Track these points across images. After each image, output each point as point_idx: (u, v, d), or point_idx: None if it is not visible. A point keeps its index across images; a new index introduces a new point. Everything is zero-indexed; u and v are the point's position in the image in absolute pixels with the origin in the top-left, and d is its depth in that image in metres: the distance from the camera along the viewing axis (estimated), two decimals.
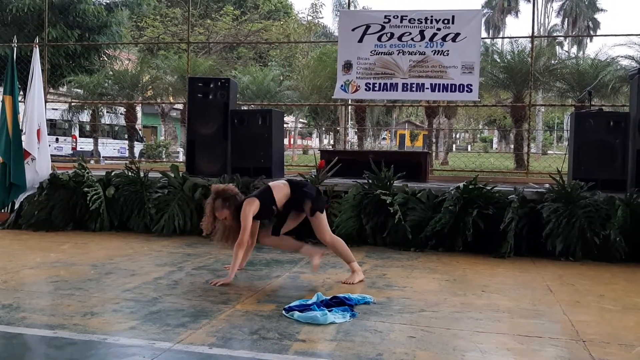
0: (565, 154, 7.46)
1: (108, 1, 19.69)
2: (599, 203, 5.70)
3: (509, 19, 63.44)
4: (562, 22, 50.58)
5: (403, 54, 8.60)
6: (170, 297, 3.85)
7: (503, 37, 40.90)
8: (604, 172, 6.39)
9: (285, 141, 19.12)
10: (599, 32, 50.92)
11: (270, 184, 4.46)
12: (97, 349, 2.87)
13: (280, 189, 4.37)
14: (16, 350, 2.90)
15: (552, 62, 16.80)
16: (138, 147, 22.18)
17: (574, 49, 43.19)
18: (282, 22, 30.43)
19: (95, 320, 3.30)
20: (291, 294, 4.00)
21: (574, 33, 47.43)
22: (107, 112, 21.98)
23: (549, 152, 31.93)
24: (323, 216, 4.38)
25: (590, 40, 47.09)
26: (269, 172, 6.92)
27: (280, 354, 2.87)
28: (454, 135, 45.67)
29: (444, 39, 8.47)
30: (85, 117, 21.95)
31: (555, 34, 44.06)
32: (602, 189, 5.99)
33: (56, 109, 21.27)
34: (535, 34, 11.40)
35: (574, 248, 5.57)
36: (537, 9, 39.55)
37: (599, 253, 5.55)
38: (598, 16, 51.83)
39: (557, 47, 21.67)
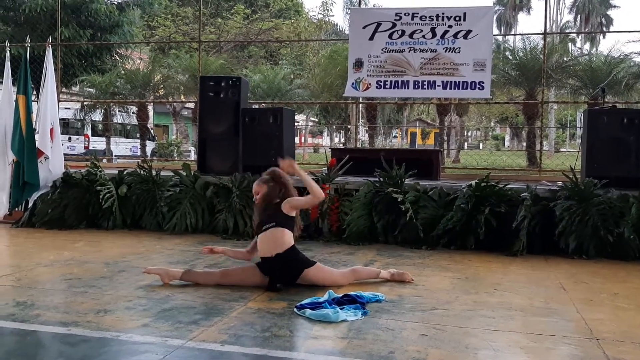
0: (578, 151, 7.41)
1: (120, 1, 19.81)
2: (612, 200, 5.66)
3: (521, 16, 62.94)
4: (575, 18, 50.21)
5: (414, 52, 8.57)
6: (182, 294, 3.87)
7: (515, 34, 40.60)
8: (617, 169, 6.33)
9: (296, 139, 19.14)
10: (611, 28, 50.45)
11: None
12: (111, 346, 2.88)
13: None
14: (30, 347, 2.92)
15: (565, 59, 16.69)
16: (150, 146, 22.29)
17: (587, 46, 42.81)
18: (292, 21, 30.48)
19: (108, 317, 3.32)
20: (303, 291, 4.00)
21: (586, 30, 47.04)
22: (119, 111, 22.10)
23: (561, 149, 31.74)
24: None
25: (603, 37, 46.54)
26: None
27: (292, 351, 2.88)
28: (465, 133, 45.50)
29: (455, 36, 8.43)
30: (97, 116, 22.08)
31: (567, 31, 43.76)
32: (616, 187, 5.93)
33: (69, 109, 21.39)
34: (548, 30, 11.31)
35: (587, 246, 5.53)
36: (550, 6, 39.21)
37: (612, 251, 5.51)
38: (611, 12, 51.43)
39: (569, 44, 21.51)
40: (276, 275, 4.05)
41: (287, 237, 4.08)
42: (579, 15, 49.56)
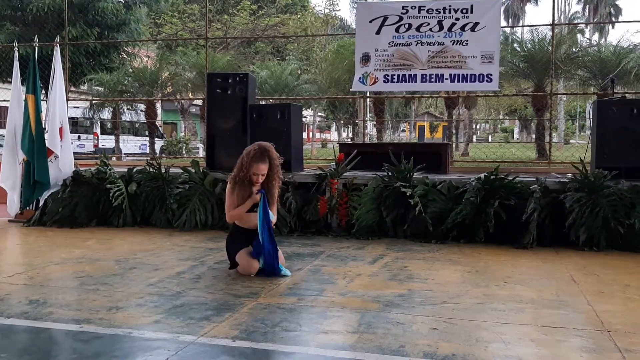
0: (588, 142, 7.36)
1: None
2: (623, 192, 5.62)
3: (529, 7, 62.48)
4: (583, 9, 49.79)
5: (421, 45, 8.54)
6: (193, 291, 3.89)
7: (523, 26, 40.34)
8: (627, 160, 6.27)
9: (304, 135, 19.13)
10: (620, 18, 50.07)
11: None
12: (123, 342, 2.91)
13: None
14: (44, 344, 2.95)
15: (574, 50, 16.54)
16: (158, 144, 22.33)
17: (596, 36, 42.48)
18: (299, 16, 30.40)
19: (120, 314, 3.35)
20: (313, 286, 4.01)
21: (595, 20, 46.66)
22: (127, 109, 22.18)
23: (571, 141, 31.56)
24: None
25: (612, 27, 46.28)
26: (288, 165, 6.90)
27: (302, 346, 2.89)
28: (474, 126, 45.26)
29: (462, 28, 8.39)
30: (106, 114, 22.17)
31: (576, 22, 43.40)
32: (626, 178, 5.89)
33: (77, 107, 21.50)
34: (556, 21, 11.22)
35: (597, 238, 5.51)
36: None
37: (623, 242, 5.48)
38: (620, 2, 51.02)
39: (578, 34, 21.32)
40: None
41: None
42: (587, 6, 49.14)
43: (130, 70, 19.38)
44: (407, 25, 8.58)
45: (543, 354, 2.80)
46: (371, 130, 24.46)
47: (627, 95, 8.70)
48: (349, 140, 29.55)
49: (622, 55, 15.13)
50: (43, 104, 7.68)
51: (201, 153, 21.00)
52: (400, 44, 8.63)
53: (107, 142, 22.98)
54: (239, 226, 4.46)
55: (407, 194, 5.93)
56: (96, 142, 23.16)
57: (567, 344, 2.94)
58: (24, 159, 7.18)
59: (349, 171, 6.61)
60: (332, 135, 48.44)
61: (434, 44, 8.51)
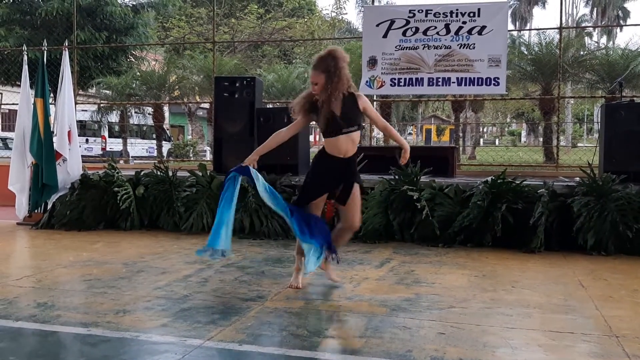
0: (596, 146, 7.33)
1: (134, 3, 19.93)
2: (631, 196, 5.59)
3: (536, 10, 62.46)
4: (591, 12, 49.59)
5: (428, 49, 8.52)
6: (200, 294, 3.90)
7: (530, 29, 40.32)
8: (636, 164, 6.25)
9: (311, 138, 19.11)
10: (629, 21, 49.77)
11: None
12: (130, 346, 2.92)
13: None
14: (52, 347, 2.97)
15: (581, 53, 16.49)
16: (166, 147, 22.39)
17: (604, 39, 42.31)
18: (306, 19, 30.44)
19: (127, 317, 3.36)
20: (319, 290, 4.02)
21: (603, 23, 46.46)
22: (135, 112, 22.24)
23: (579, 144, 31.38)
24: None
25: (620, 30, 46.06)
26: (295, 169, 6.94)
27: (309, 350, 2.89)
28: (481, 129, 45.19)
29: (469, 32, 8.37)
30: (114, 117, 22.23)
31: (584, 25, 43.30)
32: (635, 182, 5.87)
33: (86, 111, 21.57)
34: (564, 24, 11.20)
35: (606, 242, 5.48)
36: None
37: (631, 247, 5.45)
38: (628, 5, 50.72)
39: (586, 37, 21.26)
40: (339, 175, 3.95)
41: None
42: (595, 9, 48.93)
43: (138, 73, 19.44)
44: (414, 29, 8.57)
45: (551, 359, 2.79)
46: (378, 133, 24.38)
47: (635, 98, 8.64)
48: None
49: (630, 59, 15.06)
50: (52, 108, 7.72)
51: (208, 156, 21.01)
52: (407, 47, 8.62)
53: (114, 145, 23.04)
54: (327, 152, 3.94)
55: (414, 198, 5.92)
56: (104, 145, 23.23)
57: (575, 349, 2.92)
58: (32, 162, 7.22)
59: None
60: None
61: (440, 48, 8.49)
